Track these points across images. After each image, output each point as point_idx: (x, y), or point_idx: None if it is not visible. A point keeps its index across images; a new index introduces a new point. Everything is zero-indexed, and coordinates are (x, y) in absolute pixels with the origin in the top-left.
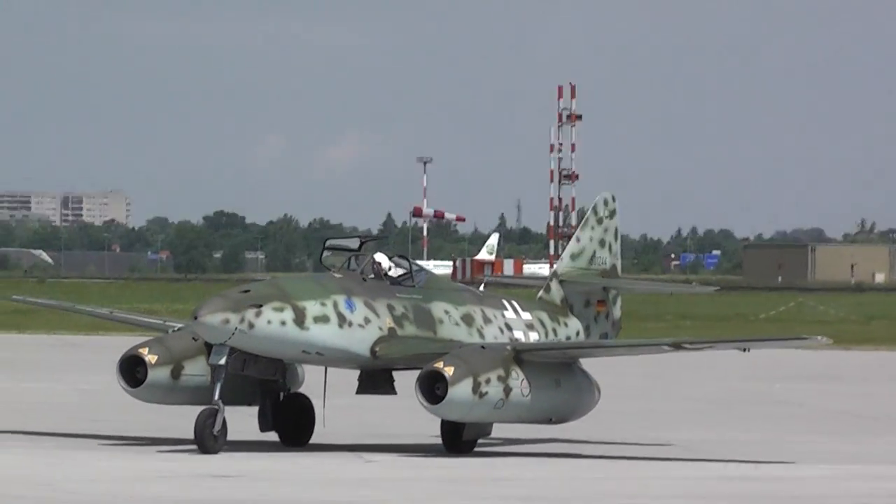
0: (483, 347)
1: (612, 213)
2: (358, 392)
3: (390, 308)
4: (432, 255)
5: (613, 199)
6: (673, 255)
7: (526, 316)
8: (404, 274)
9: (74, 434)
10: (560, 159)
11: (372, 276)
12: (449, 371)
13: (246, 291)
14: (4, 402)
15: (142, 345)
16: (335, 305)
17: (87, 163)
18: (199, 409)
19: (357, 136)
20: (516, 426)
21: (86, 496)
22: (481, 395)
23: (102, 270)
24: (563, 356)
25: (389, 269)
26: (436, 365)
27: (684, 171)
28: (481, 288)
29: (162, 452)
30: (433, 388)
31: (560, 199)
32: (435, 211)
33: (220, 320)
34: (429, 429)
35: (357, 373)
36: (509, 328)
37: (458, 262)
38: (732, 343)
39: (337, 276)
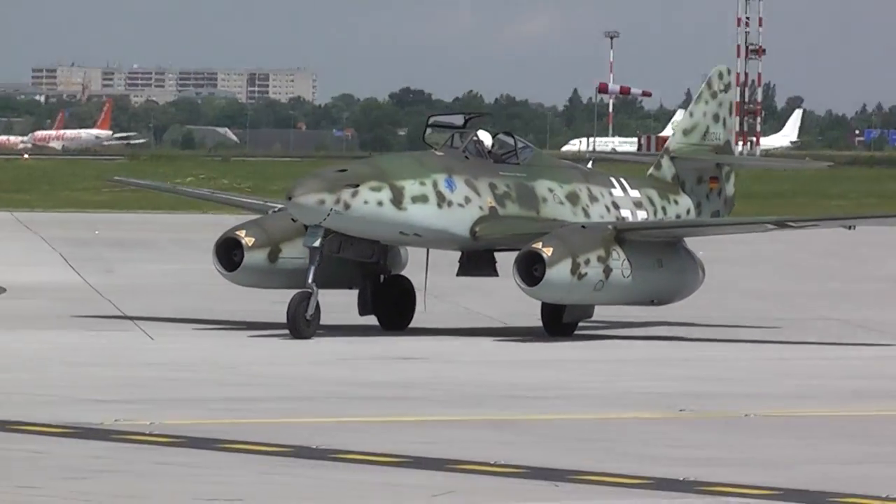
0: (584, 227)
1: (727, 87)
2: (459, 274)
3: (492, 187)
4: (617, 132)
5: (729, 72)
6: (857, 132)
7: (634, 193)
8: (508, 151)
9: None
10: (747, 34)
11: (475, 153)
12: (547, 252)
13: (342, 171)
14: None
15: (238, 227)
16: (435, 185)
17: (273, 39)
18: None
19: (544, 11)
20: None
21: (282, 379)
22: (580, 277)
23: (288, 148)
24: (667, 235)
25: (493, 146)
26: (534, 245)
27: (871, 46)
28: (589, 165)
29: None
30: (531, 270)
31: (746, 75)
32: (621, 87)
33: (316, 201)
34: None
35: (458, 254)
36: (616, 206)
37: (642, 139)
38: (838, 221)
39: (438, 154)
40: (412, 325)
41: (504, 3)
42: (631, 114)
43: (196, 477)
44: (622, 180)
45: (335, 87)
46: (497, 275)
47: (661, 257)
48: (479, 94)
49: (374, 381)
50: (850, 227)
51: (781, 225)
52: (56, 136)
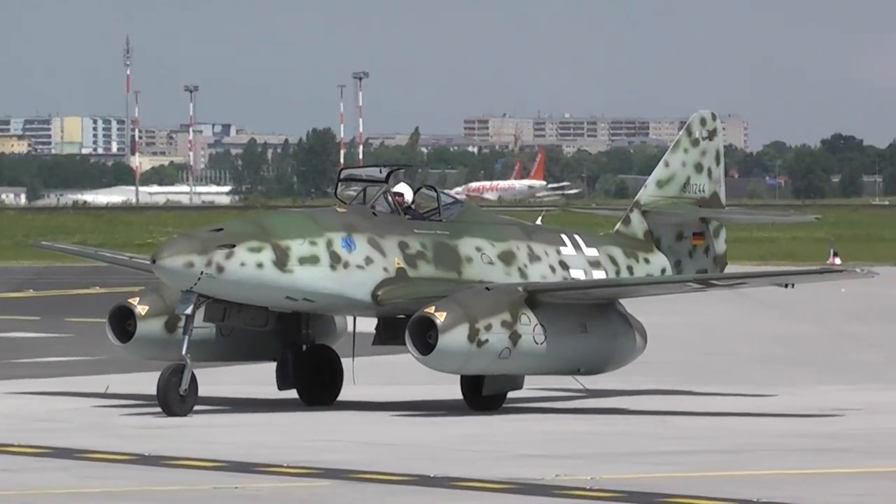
0: (488, 289)
1: (712, 134)
2: (374, 343)
3: (402, 246)
4: None
5: (714, 117)
6: None
7: (590, 252)
8: (430, 208)
9: None
10: None
11: (387, 209)
12: (440, 316)
13: (218, 230)
14: None
15: (134, 294)
16: (329, 244)
17: (703, 87)
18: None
19: None
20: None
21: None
22: (479, 344)
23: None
24: (585, 297)
25: (412, 202)
26: (426, 310)
27: None
28: (538, 221)
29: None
30: (425, 336)
31: None
32: None
33: (183, 263)
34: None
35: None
36: (564, 266)
37: None
38: (768, 278)
39: (339, 210)
40: (341, 398)
41: None
42: None
43: None
44: (576, 237)
45: (766, 133)
46: None
47: (586, 321)
48: None
49: (804, 431)
50: (785, 286)
51: (705, 284)
52: (490, 188)
